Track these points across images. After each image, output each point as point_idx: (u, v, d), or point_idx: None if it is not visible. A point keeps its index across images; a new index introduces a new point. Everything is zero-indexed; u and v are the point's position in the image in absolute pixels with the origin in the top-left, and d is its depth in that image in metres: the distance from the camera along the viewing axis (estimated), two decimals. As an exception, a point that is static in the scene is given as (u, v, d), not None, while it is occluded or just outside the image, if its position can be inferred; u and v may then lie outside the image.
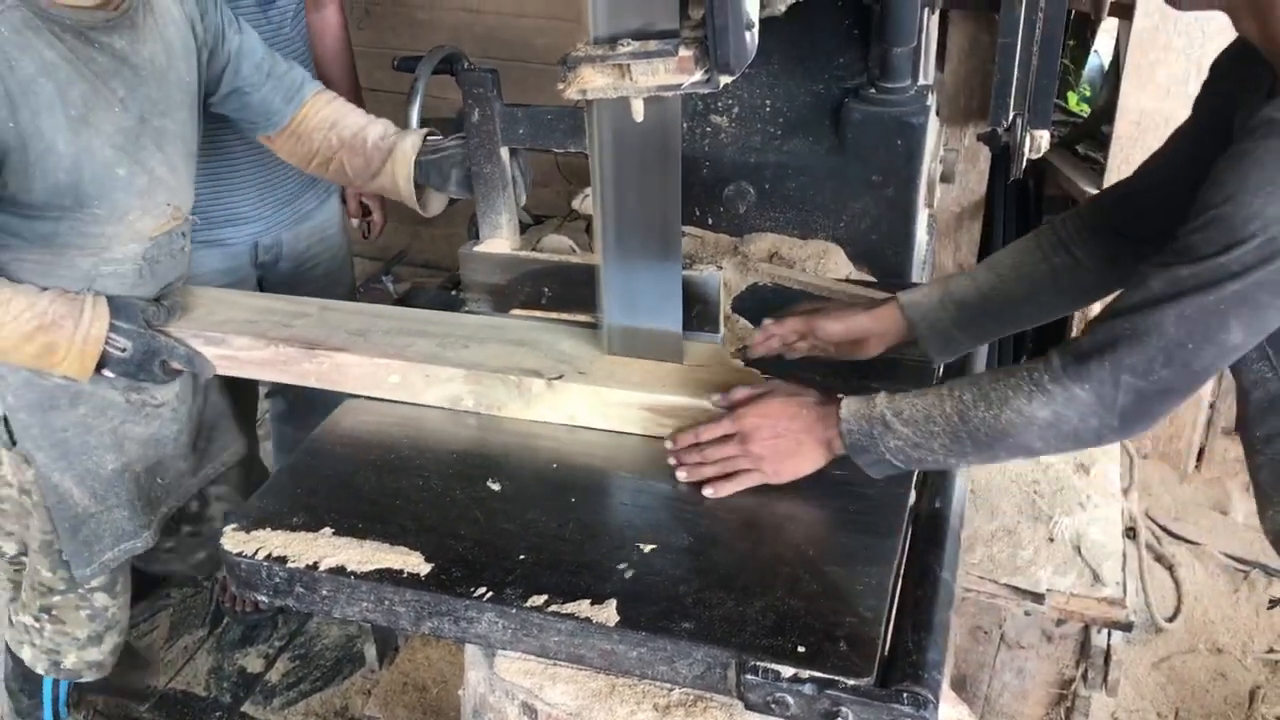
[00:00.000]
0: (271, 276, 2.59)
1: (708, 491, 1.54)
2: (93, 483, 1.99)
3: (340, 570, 1.43)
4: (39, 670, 2.21)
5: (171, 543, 2.28)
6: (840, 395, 1.49)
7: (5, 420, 1.93)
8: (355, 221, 2.93)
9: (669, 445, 1.60)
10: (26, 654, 2.21)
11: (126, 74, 1.79)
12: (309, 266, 2.67)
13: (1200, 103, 1.53)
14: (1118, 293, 1.32)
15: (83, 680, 2.26)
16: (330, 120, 2.09)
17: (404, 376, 1.77)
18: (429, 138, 2.02)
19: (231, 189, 2.43)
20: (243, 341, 1.87)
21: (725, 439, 1.54)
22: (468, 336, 1.85)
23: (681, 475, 1.57)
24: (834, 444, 1.47)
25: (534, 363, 1.75)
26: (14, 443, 1.94)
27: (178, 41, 1.89)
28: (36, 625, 2.16)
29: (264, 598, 1.49)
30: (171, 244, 1.96)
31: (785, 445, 1.50)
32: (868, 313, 1.72)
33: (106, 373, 1.83)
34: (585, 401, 1.70)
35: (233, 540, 1.49)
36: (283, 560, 1.46)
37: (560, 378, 1.70)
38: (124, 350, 1.82)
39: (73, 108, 1.71)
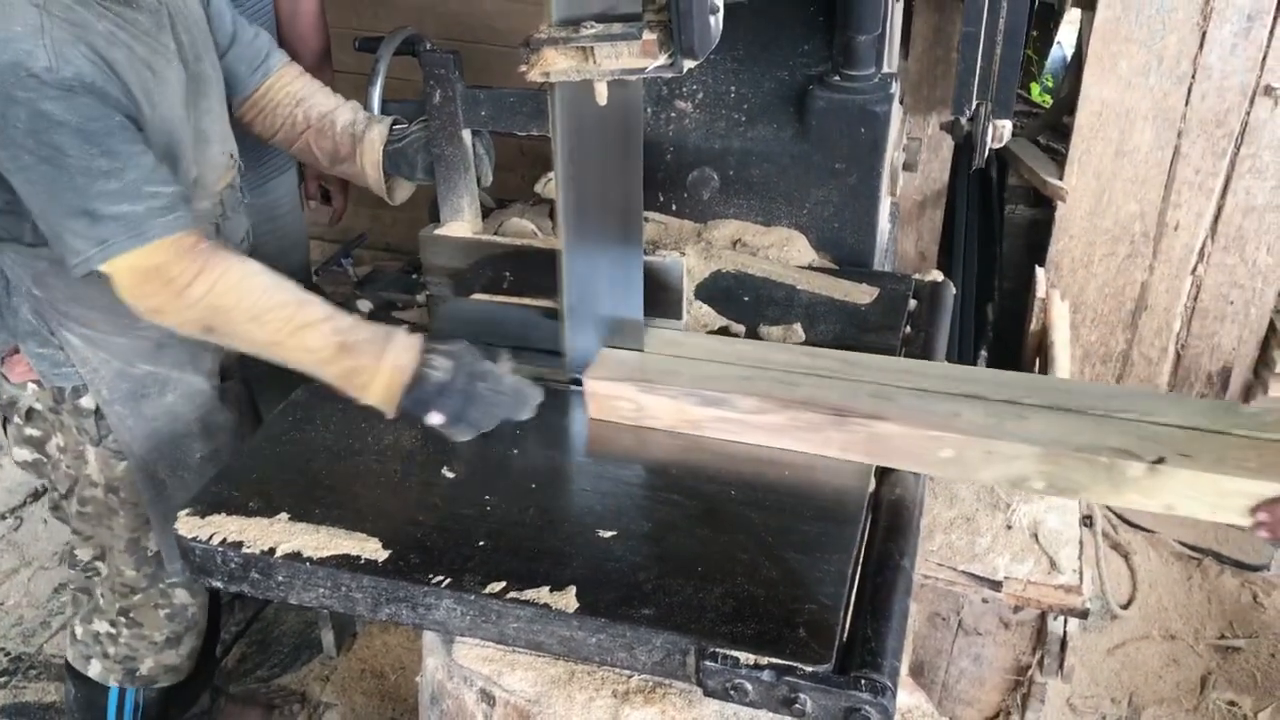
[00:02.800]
0: None
1: None
2: (183, 472, 1.96)
3: (296, 556, 1.42)
4: (111, 681, 2.16)
5: None
6: None
7: (97, 412, 1.88)
8: (313, 204, 2.89)
9: (1261, 517, 1.41)
10: (95, 668, 2.15)
11: (164, 22, 1.73)
12: (257, 243, 2.63)
13: None
14: None
15: (159, 686, 2.19)
16: (297, 96, 2.04)
17: (959, 452, 1.53)
18: (395, 125, 1.98)
19: None
20: (750, 404, 1.61)
21: None
22: (1015, 398, 1.60)
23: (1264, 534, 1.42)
24: None
25: (1118, 440, 1.49)
26: (101, 438, 1.91)
27: None
28: (113, 631, 2.12)
29: (218, 583, 1.47)
30: (234, 196, 1.92)
31: None
32: None
33: (433, 419, 1.56)
34: (1194, 490, 1.44)
35: (187, 525, 1.47)
36: (238, 545, 1.44)
37: (1163, 461, 1.45)
38: (441, 370, 1.56)
39: (147, 69, 1.64)
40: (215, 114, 1.85)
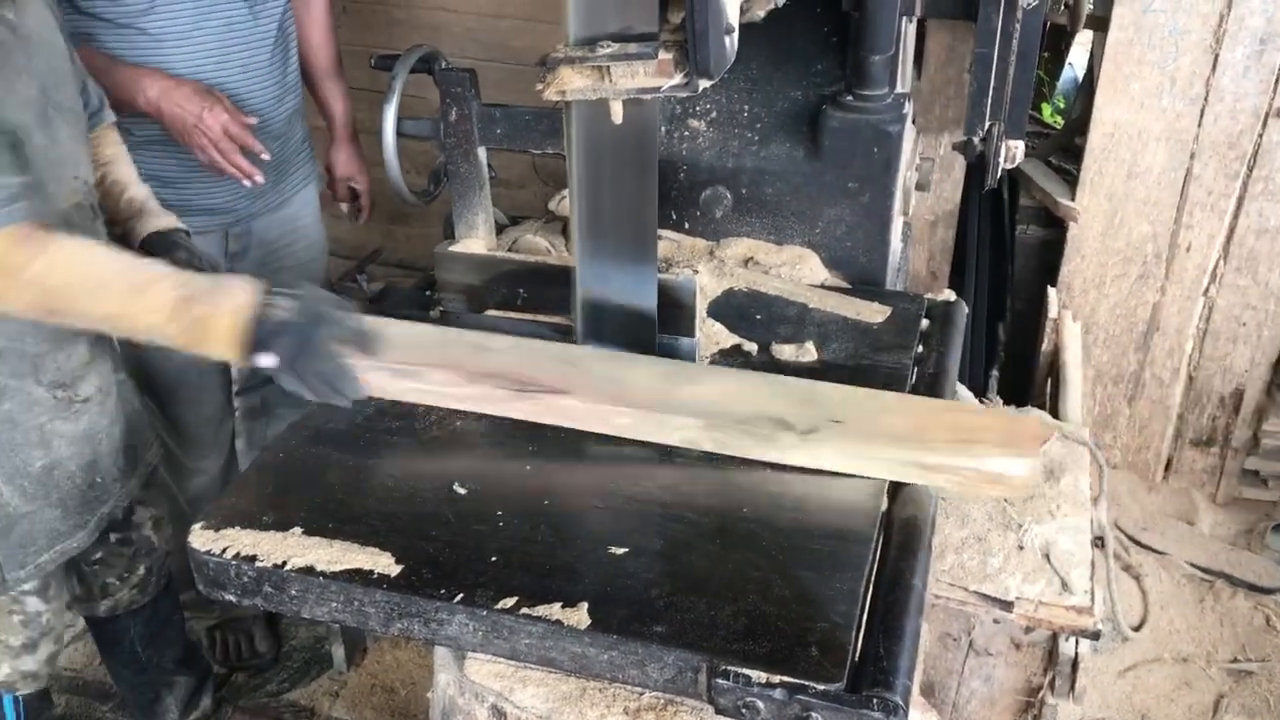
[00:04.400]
0: (239, 268, 2.56)
1: None
2: (22, 481, 1.94)
3: (309, 570, 1.42)
4: None
5: (100, 553, 2.22)
6: None
7: None
8: (345, 207, 2.91)
9: None
10: None
11: (23, 44, 1.76)
12: (278, 257, 2.65)
13: None
14: None
15: (18, 693, 2.18)
16: (105, 157, 2.10)
17: (634, 421, 1.64)
18: (174, 231, 2.00)
19: (205, 178, 2.42)
20: (441, 377, 1.69)
21: None
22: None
23: None
24: None
25: (780, 407, 1.61)
26: None
27: (49, 14, 1.88)
28: None
29: (232, 597, 1.48)
30: (82, 216, 1.90)
31: None
32: None
33: (264, 360, 1.53)
34: (845, 456, 1.56)
35: (200, 538, 1.48)
36: (251, 559, 1.44)
37: (815, 431, 1.57)
38: (282, 309, 1.54)
39: None
40: (75, 137, 1.88)
